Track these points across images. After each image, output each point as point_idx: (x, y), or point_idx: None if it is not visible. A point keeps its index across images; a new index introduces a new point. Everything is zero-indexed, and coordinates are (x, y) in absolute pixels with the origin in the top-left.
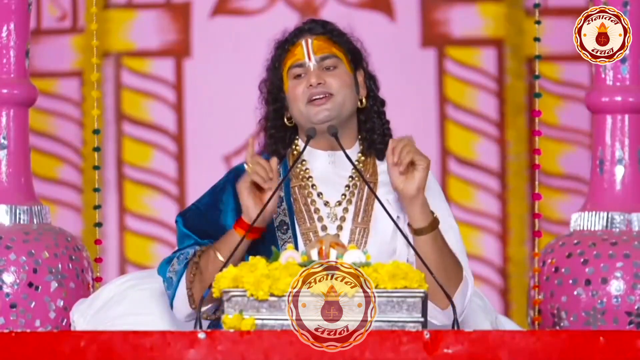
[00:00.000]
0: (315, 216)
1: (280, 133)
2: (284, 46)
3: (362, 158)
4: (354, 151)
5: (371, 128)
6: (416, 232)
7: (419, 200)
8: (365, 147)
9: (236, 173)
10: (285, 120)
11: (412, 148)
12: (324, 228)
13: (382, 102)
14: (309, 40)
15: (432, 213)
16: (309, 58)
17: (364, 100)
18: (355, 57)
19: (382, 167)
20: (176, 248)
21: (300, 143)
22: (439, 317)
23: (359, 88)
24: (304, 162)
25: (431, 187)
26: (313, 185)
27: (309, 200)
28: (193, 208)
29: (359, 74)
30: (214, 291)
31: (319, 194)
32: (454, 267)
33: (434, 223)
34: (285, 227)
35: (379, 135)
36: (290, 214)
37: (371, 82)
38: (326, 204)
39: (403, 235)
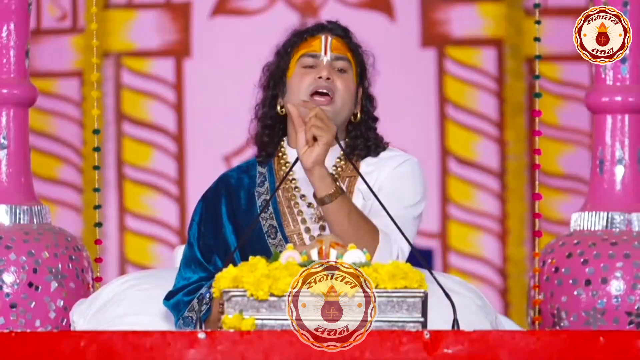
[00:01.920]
0: (299, 218)
1: (273, 123)
2: (302, 35)
3: (343, 157)
4: (337, 149)
5: (356, 136)
6: (318, 201)
7: (316, 173)
8: (348, 151)
9: (225, 182)
10: (278, 108)
11: (317, 122)
12: (307, 230)
13: (375, 119)
14: (329, 38)
15: (335, 184)
16: (325, 52)
17: (358, 115)
18: (362, 73)
19: (363, 162)
20: (180, 264)
21: (286, 146)
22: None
23: (357, 101)
24: (287, 164)
25: (403, 174)
26: (296, 187)
27: (292, 202)
28: (197, 228)
29: (359, 89)
30: (214, 291)
31: (302, 196)
32: (366, 232)
33: (335, 193)
34: (274, 231)
35: (362, 143)
36: (277, 217)
37: (368, 102)
38: (309, 205)
39: (394, 222)
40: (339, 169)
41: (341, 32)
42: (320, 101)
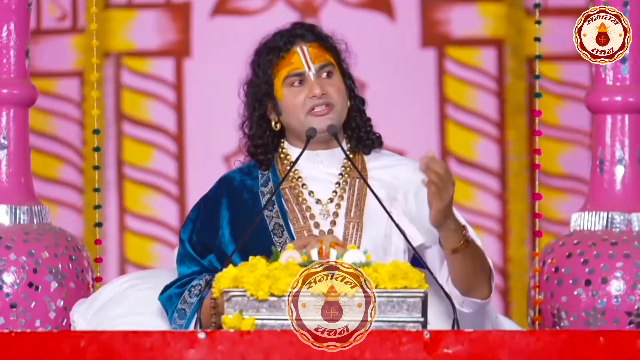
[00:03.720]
0: (307, 214)
1: (265, 140)
2: (277, 52)
3: (351, 155)
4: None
5: (357, 126)
6: (449, 251)
7: (446, 227)
8: (353, 145)
9: (227, 184)
10: (273, 124)
11: (437, 182)
12: (317, 225)
13: (362, 101)
14: (304, 48)
15: (463, 230)
16: (309, 67)
17: (348, 102)
18: (341, 60)
19: (371, 163)
20: (176, 264)
21: (287, 145)
22: (476, 308)
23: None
24: (291, 163)
25: (422, 187)
26: (303, 184)
27: (300, 199)
28: (192, 226)
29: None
30: (214, 291)
31: (310, 193)
32: (485, 272)
33: (465, 242)
34: (280, 230)
35: (365, 132)
36: (283, 216)
37: (350, 81)
38: (318, 201)
39: (400, 229)
40: (348, 168)
41: (312, 36)
42: (322, 113)
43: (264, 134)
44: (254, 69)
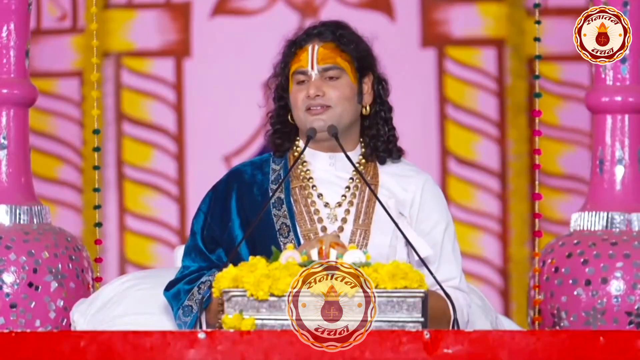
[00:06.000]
0: (316, 217)
1: (285, 128)
2: (292, 48)
3: (363, 161)
4: (355, 154)
5: (375, 134)
6: None
7: None
8: (367, 152)
9: (237, 177)
10: (289, 117)
11: None
12: (324, 229)
13: (390, 108)
14: (315, 48)
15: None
16: (312, 67)
17: (368, 108)
18: (363, 64)
19: (383, 168)
20: (184, 254)
21: (301, 144)
22: None
23: (363, 97)
24: (305, 163)
25: (427, 202)
26: (313, 186)
27: (309, 201)
28: (204, 218)
29: (366, 81)
30: (214, 291)
31: (319, 195)
32: (444, 314)
33: None
34: (287, 230)
35: (383, 142)
36: (291, 217)
37: (380, 86)
38: (326, 205)
39: (405, 236)
40: (361, 166)
41: (330, 36)
42: (316, 113)
43: (285, 123)
44: (276, 63)
